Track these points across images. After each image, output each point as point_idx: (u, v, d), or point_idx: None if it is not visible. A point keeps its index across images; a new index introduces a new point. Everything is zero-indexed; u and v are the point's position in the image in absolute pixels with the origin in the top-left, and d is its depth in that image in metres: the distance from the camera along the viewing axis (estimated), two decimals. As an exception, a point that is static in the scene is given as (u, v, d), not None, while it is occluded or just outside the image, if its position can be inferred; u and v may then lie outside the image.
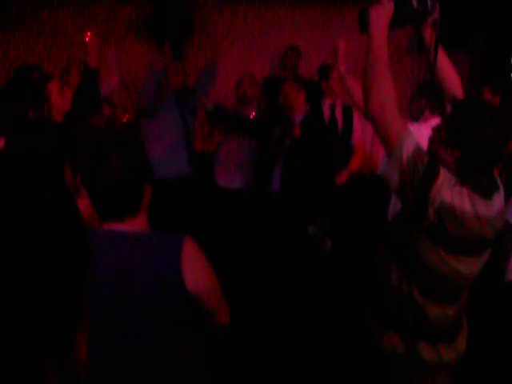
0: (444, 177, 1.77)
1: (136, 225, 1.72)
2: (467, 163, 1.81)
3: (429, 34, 2.05)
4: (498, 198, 1.89)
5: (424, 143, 1.92)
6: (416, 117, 3.35)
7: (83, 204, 1.88)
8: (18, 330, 1.69)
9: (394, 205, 2.07)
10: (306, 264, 3.91)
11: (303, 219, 4.04)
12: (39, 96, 2.82)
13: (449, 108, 2.07)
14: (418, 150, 1.79)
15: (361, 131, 4.54)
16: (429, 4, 1.96)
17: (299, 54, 5.40)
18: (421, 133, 2.05)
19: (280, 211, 4.09)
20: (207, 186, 4.62)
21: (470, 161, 1.81)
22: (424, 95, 3.35)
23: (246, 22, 5.76)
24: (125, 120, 4.26)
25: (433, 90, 2.25)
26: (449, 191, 1.76)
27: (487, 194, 1.84)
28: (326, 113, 4.61)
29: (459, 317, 2.09)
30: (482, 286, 2.32)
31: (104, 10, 5.57)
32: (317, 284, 3.82)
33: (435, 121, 2.37)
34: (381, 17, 1.90)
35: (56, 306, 1.31)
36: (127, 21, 5.66)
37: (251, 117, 4.30)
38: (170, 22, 5.42)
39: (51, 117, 2.84)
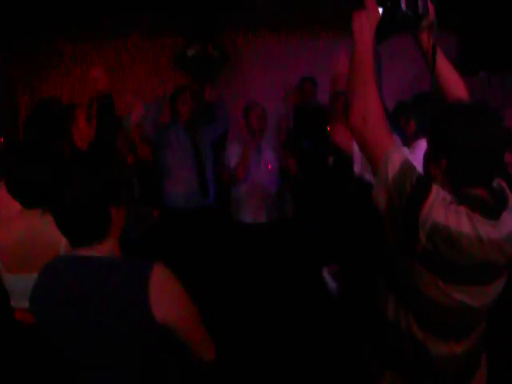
0: (436, 194, 1.54)
1: (104, 250, 1.65)
2: (456, 172, 1.59)
3: (426, 38, 1.88)
4: (509, 217, 1.63)
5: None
6: (410, 136, 3.12)
7: None
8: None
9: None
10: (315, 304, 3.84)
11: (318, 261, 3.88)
12: (60, 127, 2.83)
13: None
14: (406, 165, 1.59)
15: None
16: (420, 7, 1.80)
17: (315, 84, 5.41)
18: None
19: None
20: (224, 218, 4.52)
21: (458, 169, 1.59)
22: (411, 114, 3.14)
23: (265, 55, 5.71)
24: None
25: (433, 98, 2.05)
26: (442, 211, 1.52)
27: (492, 213, 1.59)
28: None
29: (473, 356, 1.82)
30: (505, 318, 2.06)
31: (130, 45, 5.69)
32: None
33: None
34: (365, 21, 1.75)
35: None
36: (153, 56, 5.74)
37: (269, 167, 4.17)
38: (194, 57, 5.48)
39: (75, 144, 2.86)
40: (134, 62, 5.76)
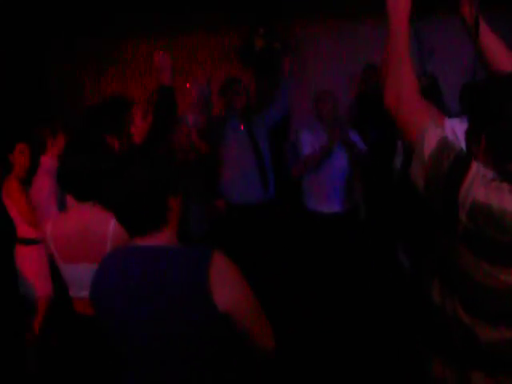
0: (476, 171, 1.48)
1: (162, 239, 1.66)
2: (497, 148, 1.51)
3: (468, 12, 1.80)
4: None
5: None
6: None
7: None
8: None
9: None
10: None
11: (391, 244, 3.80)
12: (116, 121, 2.92)
13: None
14: (443, 143, 1.53)
15: None
16: None
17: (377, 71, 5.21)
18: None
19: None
20: (293, 210, 4.48)
21: (500, 144, 1.50)
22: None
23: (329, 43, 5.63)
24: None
25: None
26: (483, 188, 1.45)
27: None
28: None
29: None
30: None
31: (193, 41, 5.78)
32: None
33: None
34: None
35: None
36: (216, 51, 5.79)
37: None
38: (259, 51, 5.47)
39: (132, 140, 2.94)
40: (196, 59, 5.83)
